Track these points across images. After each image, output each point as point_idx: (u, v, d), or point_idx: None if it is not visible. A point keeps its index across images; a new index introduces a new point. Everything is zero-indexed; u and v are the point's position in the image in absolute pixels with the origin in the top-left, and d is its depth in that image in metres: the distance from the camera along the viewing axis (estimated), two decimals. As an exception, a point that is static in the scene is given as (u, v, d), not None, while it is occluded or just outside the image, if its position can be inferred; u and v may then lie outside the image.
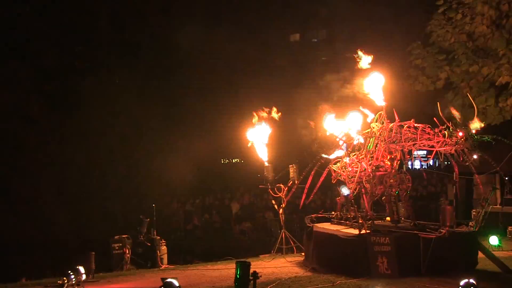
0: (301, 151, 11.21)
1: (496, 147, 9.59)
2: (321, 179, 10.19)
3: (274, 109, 11.36)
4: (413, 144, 9.09)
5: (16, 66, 19.28)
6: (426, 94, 14.58)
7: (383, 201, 9.54)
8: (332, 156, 10.12)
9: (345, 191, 9.65)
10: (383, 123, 9.48)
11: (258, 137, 11.39)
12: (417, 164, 24.00)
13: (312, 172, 10.25)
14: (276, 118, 11.35)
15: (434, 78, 14.31)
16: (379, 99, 9.85)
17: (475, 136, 8.93)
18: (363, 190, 9.33)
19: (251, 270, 6.50)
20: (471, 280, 6.37)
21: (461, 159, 9.03)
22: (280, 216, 11.44)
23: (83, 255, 8.90)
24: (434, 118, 9.13)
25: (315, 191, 10.39)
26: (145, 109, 20.50)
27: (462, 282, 6.39)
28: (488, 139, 9.07)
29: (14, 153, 18.74)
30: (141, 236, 11.92)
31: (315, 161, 10.25)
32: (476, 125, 8.87)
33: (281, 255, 11.09)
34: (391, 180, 9.19)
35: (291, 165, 11.37)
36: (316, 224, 10.04)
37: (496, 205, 13.47)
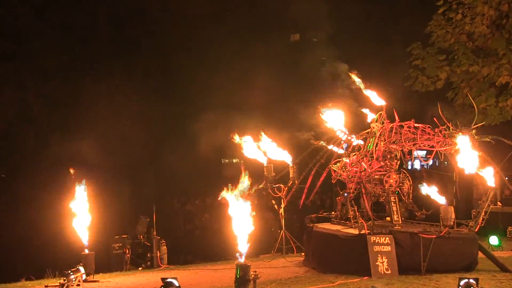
0: (301, 151, 11.19)
1: (496, 147, 9.58)
2: (321, 179, 10.19)
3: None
4: (413, 144, 9.10)
5: (16, 66, 19.30)
6: (426, 94, 14.61)
7: (383, 201, 9.55)
8: (333, 147, 10.10)
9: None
10: (383, 123, 9.49)
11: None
12: (417, 164, 23.98)
13: (312, 172, 10.25)
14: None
15: (434, 78, 14.32)
16: (379, 100, 9.89)
17: (475, 136, 8.95)
18: (363, 190, 9.33)
19: (251, 270, 6.51)
20: (471, 280, 6.37)
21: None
22: (280, 216, 11.44)
23: (83, 255, 8.90)
24: (434, 118, 9.14)
25: (315, 191, 10.38)
26: (145, 109, 20.52)
27: (462, 282, 6.39)
28: (488, 139, 9.09)
29: (14, 153, 18.76)
30: (141, 236, 11.92)
31: (315, 161, 10.25)
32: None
33: (281, 255, 11.08)
34: (391, 180, 9.20)
35: (291, 165, 11.36)
36: (316, 224, 10.04)
37: (496, 205, 13.46)
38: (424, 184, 9.36)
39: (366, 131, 9.86)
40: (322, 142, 10.33)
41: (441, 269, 8.25)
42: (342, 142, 10.10)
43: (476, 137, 8.93)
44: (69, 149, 18.24)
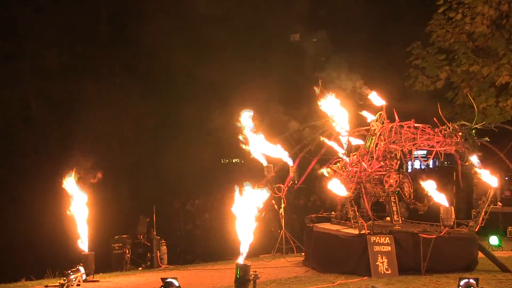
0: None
1: (496, 146, 9.59)
2: (313, 163, 10.14)
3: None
4: (413, 144, 9.10)
5: (16, 66, 19.30)
6: (426, 94, 14.60)
7: (383, 201, 9.54)
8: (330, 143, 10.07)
9: None
10: (383, 123, 9.48)
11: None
12: (417, 164, 24.04)
13: (300, 155, 10.20)
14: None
15: (434, 78, 14.32)
16: (379, 100, 9.89)
17: (475, 136, 8.95)
18: (363, 190, 9.33)
19: (251, 270, 6.51)
20: (471, 280, 6.37)
21: (461, 158, 9.06)
22: (280, 216, 11.43)
23: (83, 255, 8.90)
24: (434, 118, 9.14)
25: (303, 177, 10.32)
26: (145, 109, 20.52)
27: (462, 282, 6.38)
28: (488, 139, 9.10)
29: (14, 153, 18.77)
30: (141, 236, 11.92)
31: (302, 146, 10.19)
32: None
33: (281, 255, 11.08)
34: (391, 180, 9.19)
35: (291, 166, 11.35)
36: (316, 224, 10.04)
37: (496, 205, 13.47)
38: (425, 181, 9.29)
39: (365, 128, 9.85)
40: (322, 138, 10.30)
41: (441, 269, 8.25)
42: (341, 136, 10.03)
43: (475, 137, 8.94)
44: (69, 149, 18.25)
